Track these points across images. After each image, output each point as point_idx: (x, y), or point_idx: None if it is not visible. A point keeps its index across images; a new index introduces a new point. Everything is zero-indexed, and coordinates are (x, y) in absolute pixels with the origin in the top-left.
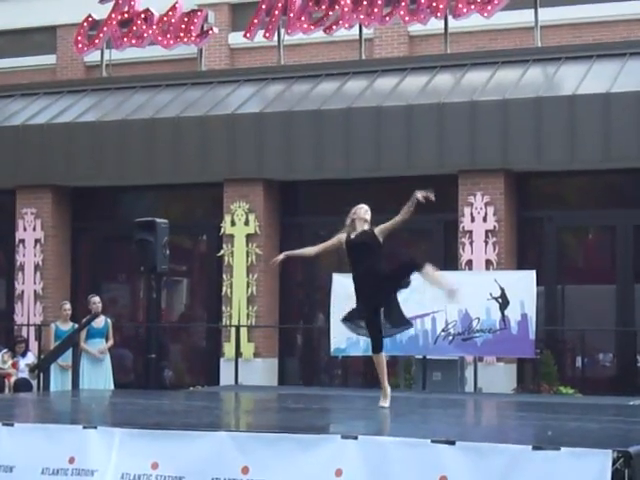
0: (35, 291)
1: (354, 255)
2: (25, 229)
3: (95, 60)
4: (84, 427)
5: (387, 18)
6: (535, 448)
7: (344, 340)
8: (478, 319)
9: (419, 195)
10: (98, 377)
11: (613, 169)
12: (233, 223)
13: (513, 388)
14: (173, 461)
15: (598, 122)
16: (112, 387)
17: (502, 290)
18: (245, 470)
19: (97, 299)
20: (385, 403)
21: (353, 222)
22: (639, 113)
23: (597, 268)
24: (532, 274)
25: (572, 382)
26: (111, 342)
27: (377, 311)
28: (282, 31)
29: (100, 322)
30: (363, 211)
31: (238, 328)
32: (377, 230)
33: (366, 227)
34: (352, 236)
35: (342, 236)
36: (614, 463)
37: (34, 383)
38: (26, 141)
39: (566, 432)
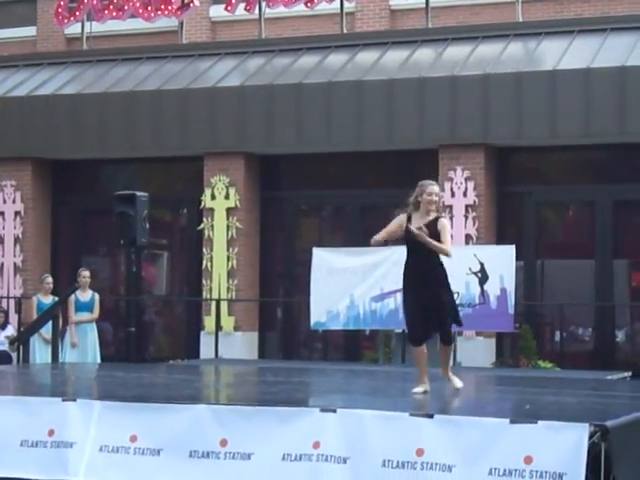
0: (15, 264)
1: (411, 245)
2: (5, 201)
3: (76, 32)
4: (63, 400)
5: None
6: (512, 421)
7: (324, 314)
8: (457, 294)
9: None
10: (86, 350)
11: (593, 145)
12: (213, 197)
13: (492, 362)
14: (152, 434)
15: (578, 97)
16: (99, 360)
17: (481, 265)
18: (224, 443)
19: (87, 273)
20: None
21: (418, 203)
22: (619, 89)
23: (576, 243)
24: (511, 249)
25: (551, 356)
26: (96, 315)
27: (425, 308)
28: (263, 4)
29: (87, 296)
30: (435, 194)
31: (218, 302)
32: (440, 223)
33: (432, 214)
34: (413, 226)
35: (402, 218)
36: (591, 437)
37: (14, 356)
38: (6, 113)
39: (544, 406)
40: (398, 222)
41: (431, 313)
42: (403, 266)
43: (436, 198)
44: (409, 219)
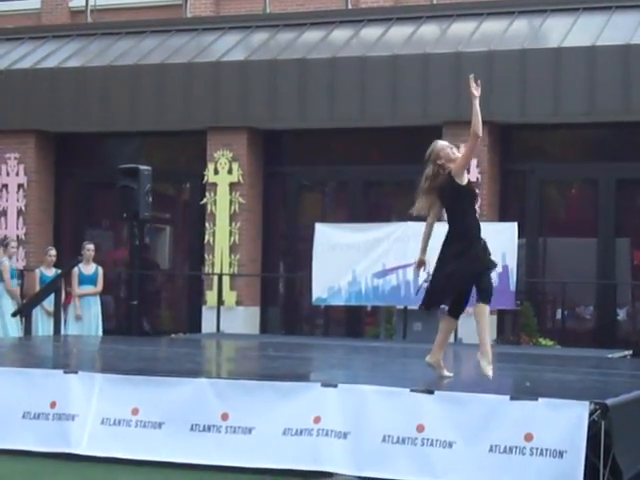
0: (18, 236)
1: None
2: (8, 174)
3: (80, 5)
4: (65, 372)
5: None
6: (513, 398)
7: (326, 289)
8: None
9: (473, 89)
10: (89, 323)
11: (597, 123)
12: (216, 171)
13: (493, 339)
14: (153, 407)
15: (583, 75)
16: (101, 333)
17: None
18: (225, 417)
19: (91, 246)
20: (447, 372)
21: (438, 171)
22: (624, 67)
23: (579, 221)
24: (514, 226)
25: (552, 334)
26: (99, 288)
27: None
28: None
29: (91, 269)
30: (446, 148)
31: (220, 276)
32: (454, 170)
33: (440, 170)
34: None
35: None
36: (591, 414)
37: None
38: (10, 86)
39: (544, 383)
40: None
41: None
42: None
43: (449, 150)
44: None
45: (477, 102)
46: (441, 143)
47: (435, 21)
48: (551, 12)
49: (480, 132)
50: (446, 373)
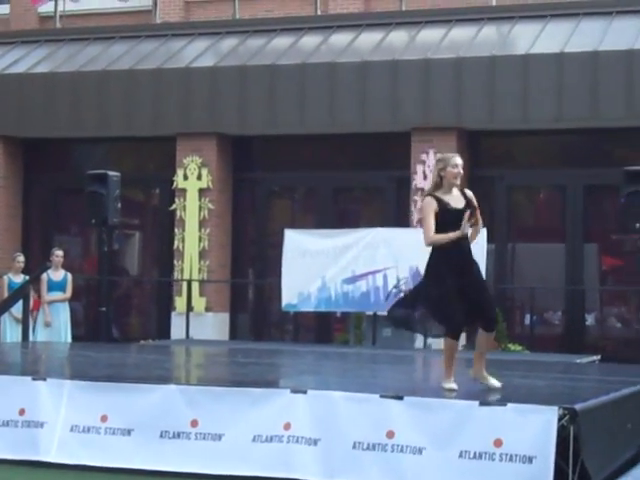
0: None
1: (454, 228)
2: None
3: (49, 11)
4: (33, 379)
5: None
6: (482, 404)
7: (295, 296)
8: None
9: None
10: (58, 329)
11: (565, 129)
12: (186, 177)
13: (462, 344)
14: (122, 414)
15: (551, 82)
16: (69, 340)
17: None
18: (194, 423)
19: (60, 252)
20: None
21: (441, 180)
22: (591, 73)
23: (547, 227)
24: (483, 232)
25: (521, 339)
26: (68, 295)
27: (464, 292)
28: None
29: (59, 275)
30: (459, 168)
31: (190, 282)
32: (470, 195)
33: (456, 189)
34: (450, 202)
35: (431, 202)
36: (560, 420)
37: None
38: None
39: (513, 388)
40: (432, 208)
41: (473, 299)
42: (434, 253)
43: (462, 171)
44: (438, 200)
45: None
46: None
47: (404, 28)
48: (519, 19)
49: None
50: (495, 383)
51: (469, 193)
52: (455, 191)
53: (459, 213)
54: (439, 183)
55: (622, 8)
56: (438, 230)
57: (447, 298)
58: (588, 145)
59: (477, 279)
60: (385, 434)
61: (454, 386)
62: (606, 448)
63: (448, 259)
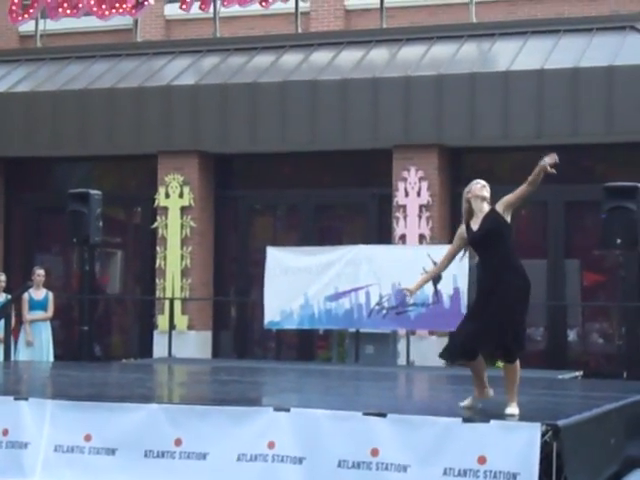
0: None
1: (480, 250)
2: None
3: (29, 30)
4: (15, 398)
5: None
6: (465, 420)
7: (278, 313)
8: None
9: (547, 163)
10: (40, 348)
11: (545, 145)
12: (167, 195)
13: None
14: (106, 433)
15: (532, 98)
16: (52, 359)
17: (435, 264)
18: (178, 442)
19: (41, 272)
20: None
21: (470, 205)
22: (572, 90)
23: (529, 243)
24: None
25: None
26: (50, 314)
27: (481, 313)
28: (218, 3)
29: (41, 294)
30: (479, 187)
31: (172, 301)
32: (500, 206)
33: (486, 208)
34: (474, 227)
35: (462, 229)
36: (543, 436)
37: None
38: None
39: (496, 405)
40: (459, 235)
41: (487, 322)
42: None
43: (486, 193)
44: (468, 226)
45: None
46: None
47: (385, 45)
48: (499, 36)
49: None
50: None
51: (497, 205)
52: (482, 213)
53: (475, 235)
54: (468, 209)
55: (602, 25)
56: (471, 253)
57: (463, 319)
58: (569, 161)
59: (499, 302)
60: (369, 452)
61: (510, 411)
62: (589, 464)
63: (479, 281)
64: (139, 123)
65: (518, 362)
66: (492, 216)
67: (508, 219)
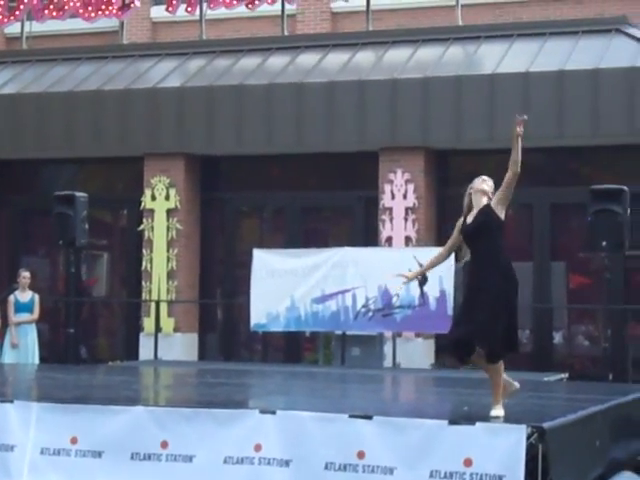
0: None
1: (470, 244)
2: None
3: (15, 32)
4: (1, 401)
5: None
6: (451, 423)
7: (264, 316)
8: (398, 295)
9: (519, 128)
10: (25, 351)
11: (531, 148)
12: (153, 197)
13: (431, 363)
14: (92, 436)
15: (517, 101)
16: (37, 361)
17: (421, 266)
18: (164, 445)
19: (27, 274)
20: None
21: (470, 200)
22: (557, 93)
23: (514, 245)
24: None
25: None
26: (36, 316)
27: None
28: (204, 5)
29: (27, 297)
30: (480, 181)
31: (158, 303)
32: (493, 202)
33: (484, 202)
34: (468, 220)
35: (460, 222)
36: (528, 438)
37: None
38: None
39: (482, 407)
40: (457, 227)
41: (466, 316)
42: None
43: (486, 187)
44: (465, 220)
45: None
46: None
47: (371, 48)
48: (485, 39)
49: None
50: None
51: (493, 200)
52: (479, 207)
53: (468, 228)
54: (468, 204)
55: (587, 28)
56: (457, 256)
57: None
58: (554, 164)
59: (481, 300)
60: (356, 454)
61: (495, 413)
62: (575, 466)
63: (467, 275)
64: (125, 125)
65: (500, 364)
66: (485, 210)
67: (501, 215)
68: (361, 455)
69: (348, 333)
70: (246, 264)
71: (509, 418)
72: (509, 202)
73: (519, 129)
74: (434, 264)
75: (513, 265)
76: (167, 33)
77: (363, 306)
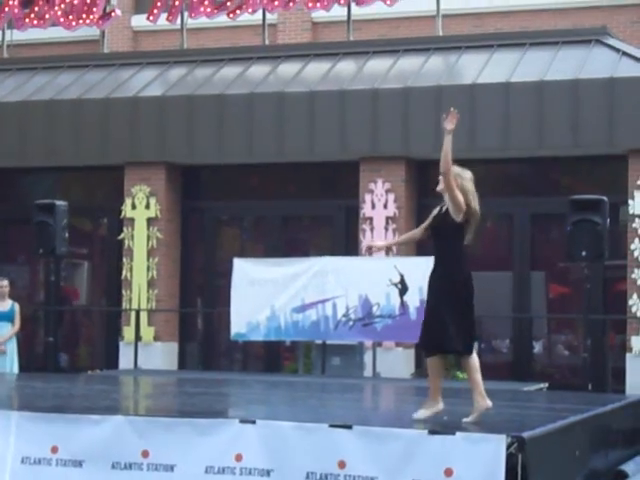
0: None
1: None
2: None
3: None
4: None
5: (291, 4)
6: (431, 432)
7: (244, 325)
8: (378, 304)
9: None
10: (4, 360)
11: (511, 158)
12: (134, 206)
13: (411, 373)
14: (72, 445)
15: (498, 111)
16: (17, 371)
17: (401, 276)
18: (145, 454)
19: (5, 282)
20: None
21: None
22: (538, 103)
23: (494, 255)
24: (431, 260)
25: None
26: (17, 327)
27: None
28: (185, 15)
29: (6, 306)
30: (468, 177)
31: (138, 312)
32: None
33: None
34: (434, 212)
35: (434, 211)
36: (508, 448)
37: None
38: None
39: (462, 417)
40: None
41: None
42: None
43: (466, 183)
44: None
45: (449, 137)
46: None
47: (352, 58)
48: (466, 49)
49: (443, 168)
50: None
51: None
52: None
53: (432, 221)
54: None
55: (567, 38)
56: None
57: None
58: (534, 174)
59: (430, 297)
60: (337, 464)
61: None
62: (554, 476)
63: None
64: (106, 134)
65: (472, 361)
66: (445, 208)
67: (457, 218)
68: (342, 465)
69: (328, 342)
70: (226, 273)
71: (489, 428)
72: (462, 206)
73: (447, 125)
74: (409, 238)
75: (493, 275)
76: (148, 42)
77: (344, 315)
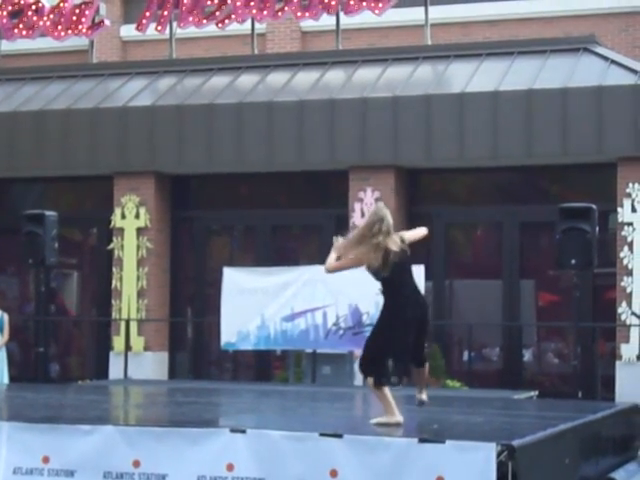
0: None
1: (397, 278)
2: None
3: None
4: None
5: (279, 13)
6: (421, 441)
7: (234, 334)
8: (368, 313)
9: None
10: None
11: (500, 167)
12: (123, 216)
13: (394, 381)
14: (63, 455)
15: (486, 120)
16: (6, 381)
17: None
18: (136, 463)
19: None
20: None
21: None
22: (526, 111)
23: (484, 264)
24: (420, 269)
25: (459, 376)
26: (6, 337)
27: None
28: (174, 24)
29: None
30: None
31: (128, 322)
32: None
33: (397, 238)
34: (391, 255)
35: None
36: (498, 456)
37: None
38: None
39: (452, 425)
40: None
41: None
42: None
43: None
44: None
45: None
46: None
47: (341, 67)
48: (454, 58)
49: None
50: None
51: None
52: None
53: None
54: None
55: (556, 47)
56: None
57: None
58: (524, 182)
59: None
60: (328, 473)
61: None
62: None
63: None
64: (95, 144)
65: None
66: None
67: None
68: (334, 474)
69: (319, 351)
70: (216, 283)
71: (479, 436)
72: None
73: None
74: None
75: (482, 283)
76: (137, 52)
77: (334, 324)
